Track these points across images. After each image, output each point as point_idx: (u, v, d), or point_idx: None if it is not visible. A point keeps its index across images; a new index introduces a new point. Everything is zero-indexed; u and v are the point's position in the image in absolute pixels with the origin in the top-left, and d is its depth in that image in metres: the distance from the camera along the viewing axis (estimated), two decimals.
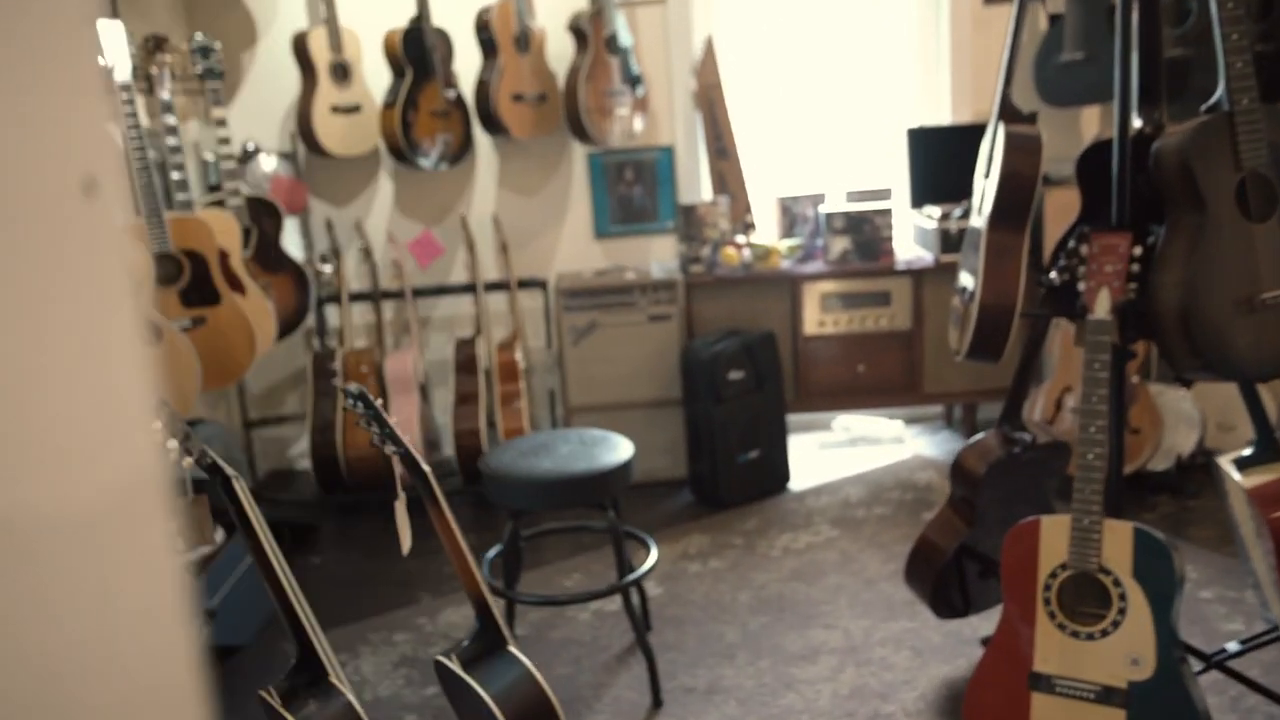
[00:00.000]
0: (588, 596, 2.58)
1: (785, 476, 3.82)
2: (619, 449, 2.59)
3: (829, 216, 3.84)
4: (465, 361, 3.88)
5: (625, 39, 3.89)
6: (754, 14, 4.16)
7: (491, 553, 2.74)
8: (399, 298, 4.10)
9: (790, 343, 3.89)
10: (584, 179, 4.20)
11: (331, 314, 4.20)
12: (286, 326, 3.73)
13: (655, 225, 4.22)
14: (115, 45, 2.92)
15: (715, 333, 3.79)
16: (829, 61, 4.20)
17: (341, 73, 3.85)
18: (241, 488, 1.61)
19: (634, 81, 3.94)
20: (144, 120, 3.37)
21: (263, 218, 3.63)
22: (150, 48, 3.23)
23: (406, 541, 1.72)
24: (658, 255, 4.23)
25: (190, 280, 3.07)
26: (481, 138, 4.10)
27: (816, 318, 3.86)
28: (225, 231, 3.32)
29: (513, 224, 4.21)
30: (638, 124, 4.00)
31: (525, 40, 3.84)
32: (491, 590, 2.62)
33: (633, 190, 4.21)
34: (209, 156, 3.92)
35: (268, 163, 4.02)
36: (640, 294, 3.82)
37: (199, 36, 3.45)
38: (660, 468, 3.92)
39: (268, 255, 3.65)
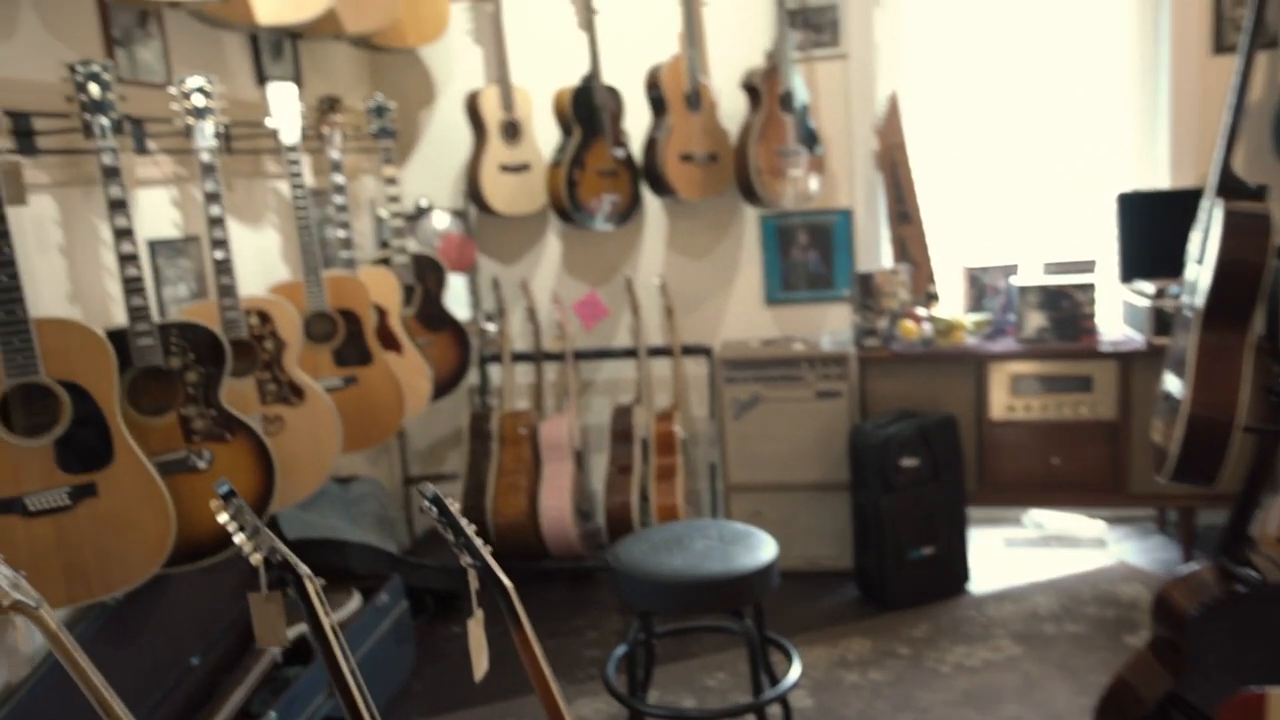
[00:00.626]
0: (716, 715, 2.32)
1: (963, 577, 3.43)
2: (761, 549, 2.33)
3: (1023, 290, 3.46)
4: (622, 430, 3.72)
5: (801, 96, 3.67)
6: (943, 68, 3.85)
7: (619, 651, 2.52)
8: (560, 360, 3.99)
9: (974, 428, 3.50)
10: (755, 242, 3.99)
11: (495, 373, 4.15)
12: (447, 384, 3.69)
13: (830, 293, 3.95)
14: (286, 108, 2.96)
15: (889, 414, 3.47)
16: (1026, 118, 3.83)
17: (512, 131, 3.81)
18: (315, 589, 1.48)
19: (810, 140, 3.71)
20: (310, 179, 3.41)
21: (427, 275, 3.61)
22: (324, 108, 3.26)
23: (481, 666, 1.53)
24: (832, 325, 3.95)
25: (344, 339, 3.05)
26: (651, 197, 3.97)
27: (1005, 401, 3.47)
28: (384, 290, 3.30)
29: (680, 287, 4.04)
30: (813, 185, 3.76)
31: (696, 98, 3.68)
32: (613, 694, 2.40)
33: (807, 256, 3.96)
34: (383, 213, 3.95)
35: (440, 220, 4.03)
36: (808, 367, 3.55)
37: (377, 97, 3.48)
38: (823, 557, 3.61)
39: (430, 313, 3.62)
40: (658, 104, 3.69)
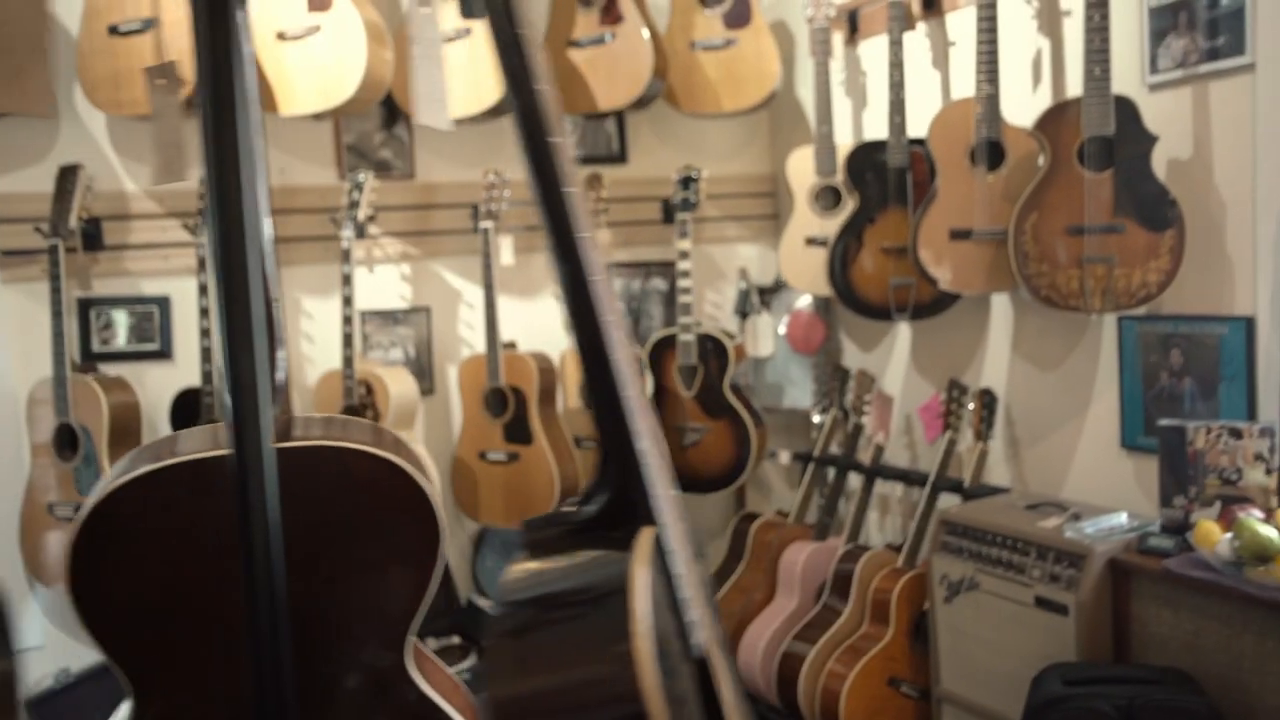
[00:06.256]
0: None
1: None
2: None
3: None
4: (843, 575, 2.93)
5: (1135, 139, 2.37)
6: None
7: None
8: (862, 472, 3.27)
9: None
10: (1112, 357, 2.68)
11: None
12: (717, 480, 3.40)
13: None
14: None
15: (1133, 671, 2.10)
16: None
17: (830, 199, 3.26)
18: None
19: (1148, 209, 2.38)
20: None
21: (709, 357, 3.38)
22: (587, 185, 3.32)
23: None
24: None
25: (513, 416, 3.13)
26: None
27: None
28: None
29: (1025, 407, 2.94)
30: (1149, 278, 2.40)
31: (992, 152, 2.66)
32: None
33: (1180, 385, 2.52)
34: (743, 284, 3.75)
35: (802, 298, 3.63)
36: (1036, 558, 2.33)
37: (686, 168, 3.38)
38: None
39: (709, 399, 3.38)
40: (931, 165, 2.77)
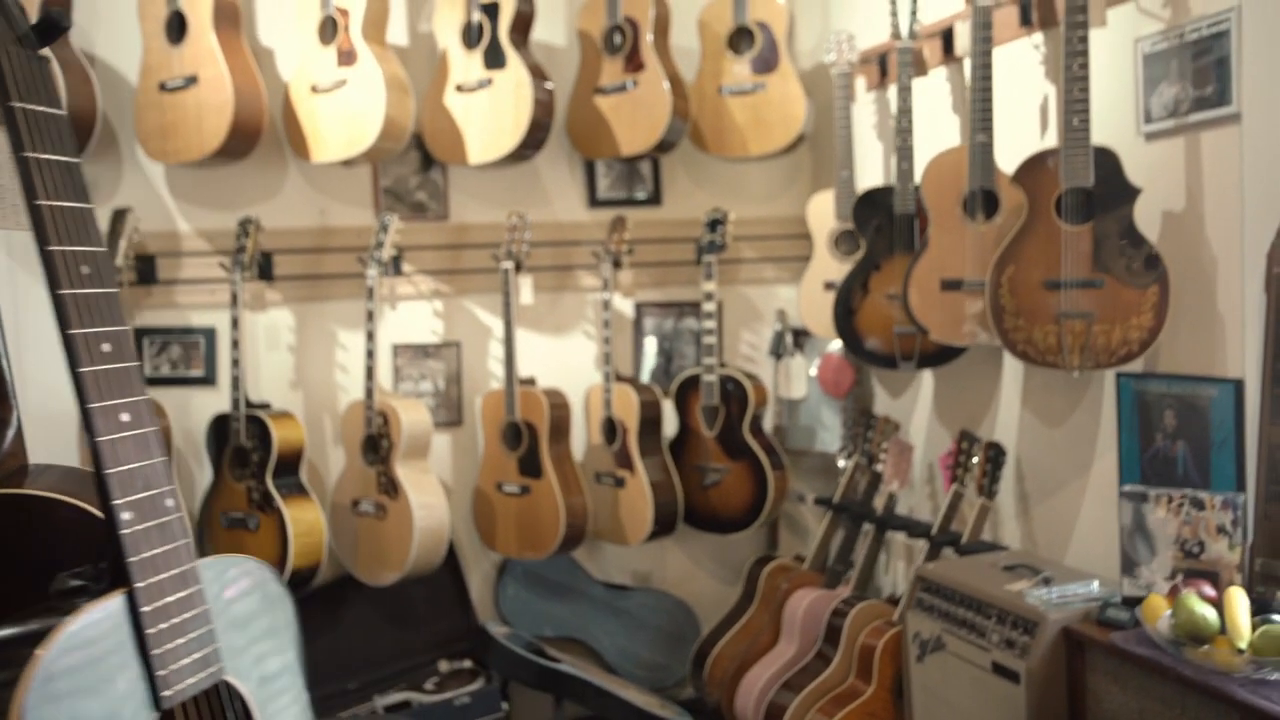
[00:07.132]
0: None
1: None
2: None
3: None
4: (834, 628, 2.89)
5: (1115, 190, 2.29)
6: None
7: None
8: (873, 521, 3.21)
9: None
10: (1112, 415, 2.57)
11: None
12: (737, 521, 3.41)
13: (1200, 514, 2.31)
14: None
15: None
16: None
17: (851, 244, 3.24)
18: None
19: (1130, 264, 2.29)
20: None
21: (731, 399, 3.41)
22: (612, 228, 3.41)
23: None
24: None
25: (527, 450, 3.23)
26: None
27: None
28: (622, 406, 3.32)
29: (1032, 462, 2.85)
30: (1133, 335, 2.30)
31: (985, 203, 2.60)
32: None
33: (1174, 447, 2.39)
34: (777, 327, 3.75)
35: (834, 341, 3.61)
36: (995, 622, 2.26)
37: (714, 210, 3.44)
38: None
39: (730, 440, 3.41)
40: (924, 215, 2.73)
